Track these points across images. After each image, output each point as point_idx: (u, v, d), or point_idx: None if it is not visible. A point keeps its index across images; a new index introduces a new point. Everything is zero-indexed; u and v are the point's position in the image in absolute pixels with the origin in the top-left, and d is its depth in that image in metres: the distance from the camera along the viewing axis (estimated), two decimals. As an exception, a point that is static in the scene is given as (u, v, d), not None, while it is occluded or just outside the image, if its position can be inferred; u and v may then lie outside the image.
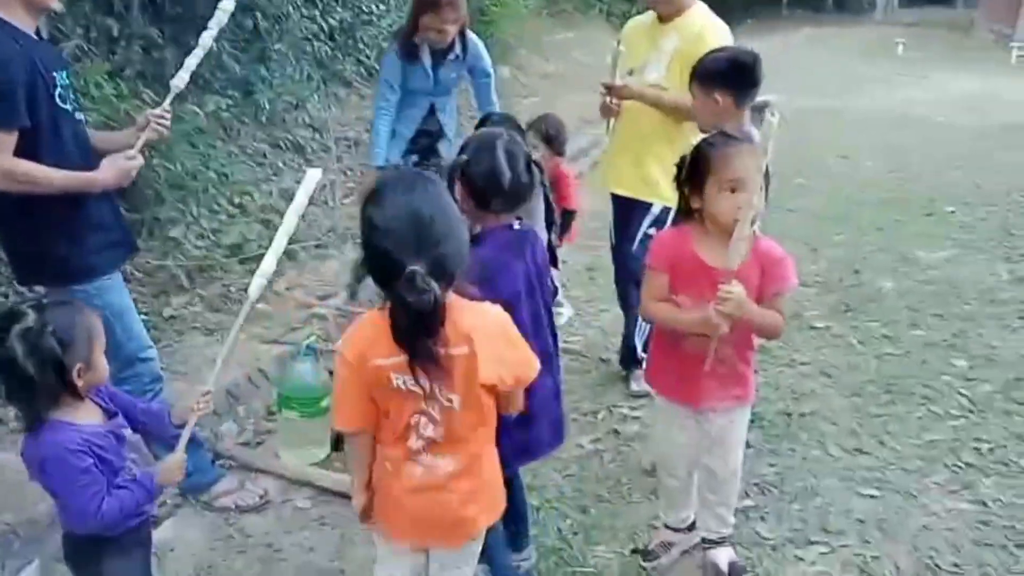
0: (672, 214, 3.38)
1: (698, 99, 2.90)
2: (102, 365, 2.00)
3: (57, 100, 2.48)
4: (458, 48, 3.95)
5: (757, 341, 2.46)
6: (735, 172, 2.20)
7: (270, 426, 3.67)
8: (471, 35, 4.05)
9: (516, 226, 2.23)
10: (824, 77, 14.57)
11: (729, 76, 2.82)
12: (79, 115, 2.62)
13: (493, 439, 1.96)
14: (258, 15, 6.11)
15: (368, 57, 7.81)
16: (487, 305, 1.84)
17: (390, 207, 1.70)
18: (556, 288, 2.82)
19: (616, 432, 3.49)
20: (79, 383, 1.90)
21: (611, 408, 3.68)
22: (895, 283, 4.92)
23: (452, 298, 1.72)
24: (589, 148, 9.01)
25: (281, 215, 2.94)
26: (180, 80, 2.84)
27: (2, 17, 2.38)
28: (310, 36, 6.65)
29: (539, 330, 2.25)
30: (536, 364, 1.88)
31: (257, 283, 2.27)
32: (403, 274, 1.60)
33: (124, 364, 2.64)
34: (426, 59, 3.92)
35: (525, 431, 2.26)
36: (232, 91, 6.13)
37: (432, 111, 4.14)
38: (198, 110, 5.53)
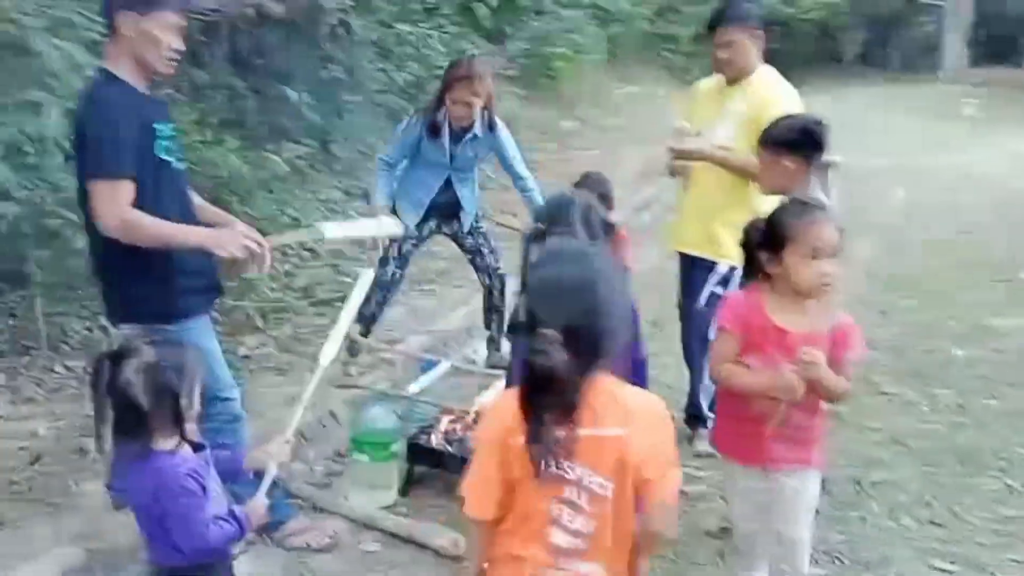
0: (738, 274, 3.42)
1: (765, 163, 2.96)
2: (197, 402, 2.11)
3: (162, 153, 2.63)
4: (478, 128, 4.04)
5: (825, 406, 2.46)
6: (816, 241, 2.25)
7: (337, 468, 3.74)
8: (498, 119, 4.17)
9: None
10: (889, 136, 14.44)
11: (798, 142, 2.87)
12: (182, 166, 2.76)
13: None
14: (334, 68, 6.38)
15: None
16: (649, 394, 1.79)
17: (543, 269, 1.72)
18: None
19: (683, 493, 3.48)
20: (184, 418, 2.00)
21: (676, 467, 3.66)
22: (967, 351, 4.84)
23: (605, 380, 1.64)
24: (651, 202, 9.07)
25: (349, 260, 3.11)
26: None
27: (114, 73, 2.56)
28: (383, 89, 6.89)
29: None
30: (677, 481, 1.76)
31: (327, 353, 2.48)
32: (533, 334, 1.58)
33: (207, 403, 2.74)
34: (445, 136, 4.01)
35: None
36: (309, 140, 6.37)
37: (449, 183, 4.21)
38: (278, 158, 5.75)
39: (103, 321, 4.54)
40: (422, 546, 3.07)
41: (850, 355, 2.31)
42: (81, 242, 4.00)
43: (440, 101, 3.97)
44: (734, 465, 2.55)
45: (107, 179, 2.46)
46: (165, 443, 2.01)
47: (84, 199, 2.58)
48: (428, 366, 3.78)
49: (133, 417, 1.95)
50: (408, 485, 3.42)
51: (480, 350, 4.68)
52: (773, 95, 3.49)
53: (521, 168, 4.31)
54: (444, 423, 3.54)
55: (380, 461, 3.30)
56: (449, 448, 3.43)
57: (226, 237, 2.60)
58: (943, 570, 2.93)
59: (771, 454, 2.40)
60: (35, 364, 4.21)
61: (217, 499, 2.13)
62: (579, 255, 1.76)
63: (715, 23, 3.56)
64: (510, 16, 9.22)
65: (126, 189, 2.48)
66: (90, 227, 2.61)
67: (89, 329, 4.53)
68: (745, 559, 2.68)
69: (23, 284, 4.35)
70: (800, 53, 23.36)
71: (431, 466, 3.47)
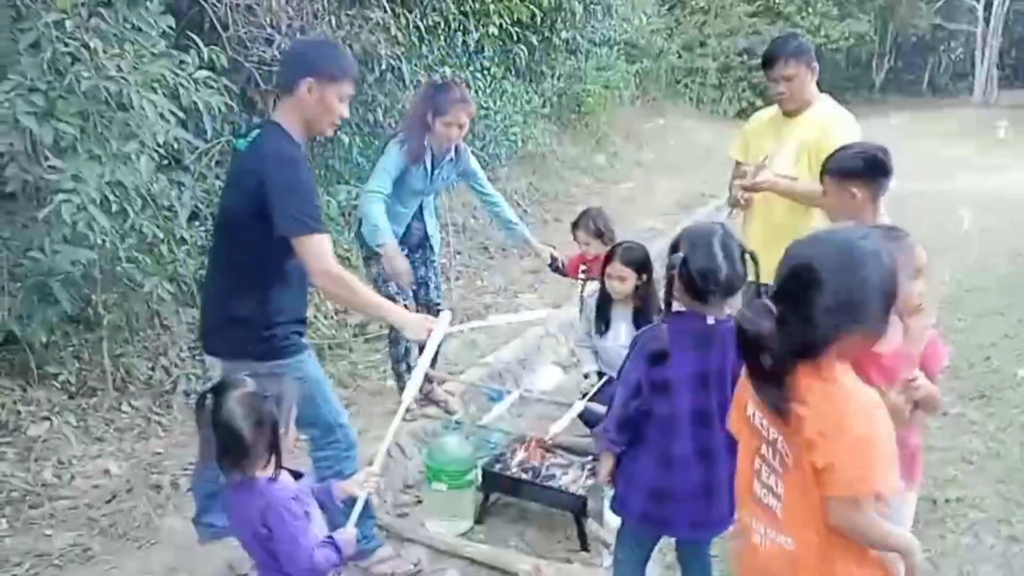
0: None
1: (833, 194, 2.93)
2: (293, 431, 2.20)
3: None
4: (453, 151, 4.05)
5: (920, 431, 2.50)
6: (917, 262, 2.32)
7: (406, 499, 3.81)
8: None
9: (711, 320, 2.30)
10: (925, 160, 14.39)
11: (865, 171, 2.87)
12: None
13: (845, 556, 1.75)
14: (380, 110, 6.54)
15: (483, 150, 8.21)
16: (867, 391, 1.76)
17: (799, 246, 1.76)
18: None
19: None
20: (279, 447, 2.10)
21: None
22: (1040, 369, 4.82)
23: (834, 367, 1.70)
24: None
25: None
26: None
27: (282, 125, 2.71)
28: (430, 130, 7.04)
29: (702, 428, 2.32)
30: (879, 487, 1.71)
31: (409, 392, 2.66)
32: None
33: (325, 431, 2.88)
34: (428, 160, 3.95)
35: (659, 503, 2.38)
36: (358, 182, 6.52)
37: (420, 210, 4.17)
38: (332, 200, 5.89)
39: (164, 362, 4.70)
40: (504, 572, 3.11)
41: (940, 366, 2.36)
42: (149, 285, 4.17)
43: (426, 126, 3.85)
44: None
45: (315, 233, 2.61)
46: (264, 471, 2.10)
47: (236, 244, 2.75)
48: (496, 396, 3.84)
49: (235, 445, 2.05)
50: (483, 513, 3.46)
51: (536, 381, 4.74)
52: (833, 123, 3.56)
53: (490, 187, 4.35)
54: (519, 451, 3.59)
55: (457, 489, 3.35)
56: (524, 475, 3.48)
57: (419, 322, 2.81)
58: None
59: None
60: (102, 404, 4.31)
61: (319, 524, 2.22)
62: (843, 244, 1.73)
63: (773, 56, 3.64)
64: (546, 56, 9.38)
65: (328, 243, 2.64)
66: (239, 273, 2.76)
67: (152, 369, 4.64)
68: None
69: (90, 327, 4.47)
70: (831, 82, 23.44)
71: (506, 493, 3.52)
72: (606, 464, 2.52)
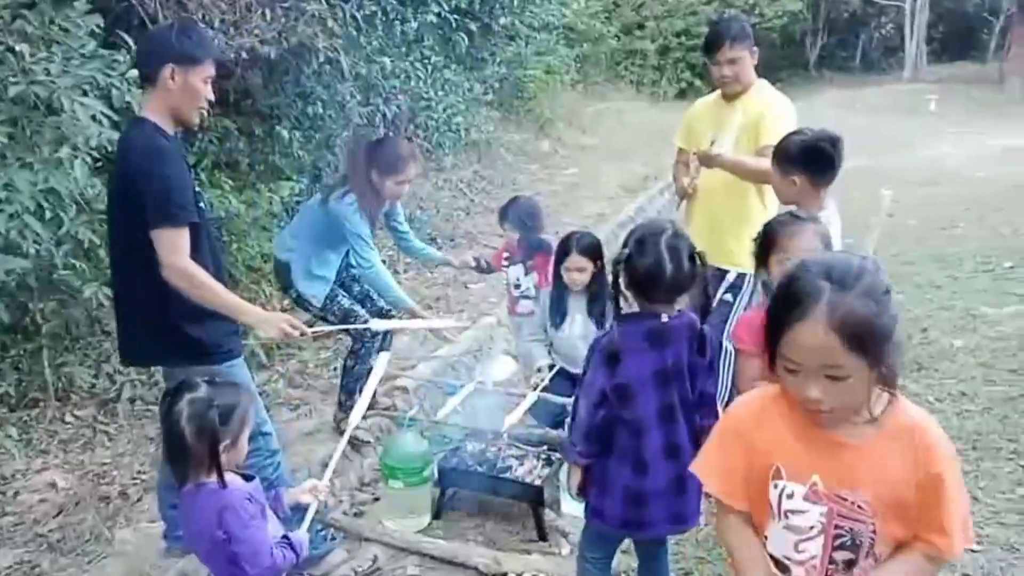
0: (748, 280, 3.54)
1: (776, 179, 3.00)
2: (244, 446, 2.18)
3: (200, 200, 2.73)
4: None
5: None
6: (795, 250, 2.36)
7: (363, 496, 3.80)
8: None
9: (665, 318, 2.31)
10: (858, 136, 14.60)
11: (805, 160, 2.90)
12: (211, 212, 2.84)
13: None
14: (320, 104, 6.45)
15: (426, 140, 8.16)
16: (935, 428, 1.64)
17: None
18: None
19: (707, 495, 3.56)
20: (223, 458, 2.07)
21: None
22: (964, 340, 4.97)
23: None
24: (635, 216, 9.21)
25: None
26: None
27: (156, 123, 2.64)
28: (371, 122, 6.97)
29: (668, 424, 2.35)
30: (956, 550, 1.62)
31: (352, 422, 2.79)
32: None
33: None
34: (379, 213, 3.95)
35: (637, 506, 2.40)
36: (301, 177, 6.43)
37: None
38: (274, 195, 5.80)
39: (108, 369, 4.60)
40: (463, 566, 3.12)
41: None
42: (88, 291, 4.07)
43: (373, 186, 3.77)
44: None
45: (172, 227, 2.56)
46: (206, 476, 2.08)
47: (129, 246, 2.67)
48: (450, 390, 3.84)
49: (177, 449, 2.05)
50: (441, 508, 3.47)
51: (489, 372, 4.74)
52: (770, 108, 3.63)
53: (404, 222, 4.33)
54: (474, 445, 3.60)
55: (414, 486, 3.35)
56: (480, 468, 3.49)
57: (271, 321, 2.77)
58: (970, 550, 3.02)
59: None
60: (45, 415, 4.22)
61: (274, 524, 2.20)
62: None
63: (717, 40, 3.68)
64: (486, 42, 9.34)
65: (185, 237, 2.58)
66: (140, 274, 2.67)
67: (96, 377, 4.55)
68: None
69: (28, 336, 4.35)
70: (765, 61, 23.81)
71: (463, 488, 3.53)
72: (576, 477, 2.50)
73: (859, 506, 1.62)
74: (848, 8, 27.07)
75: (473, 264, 4.42)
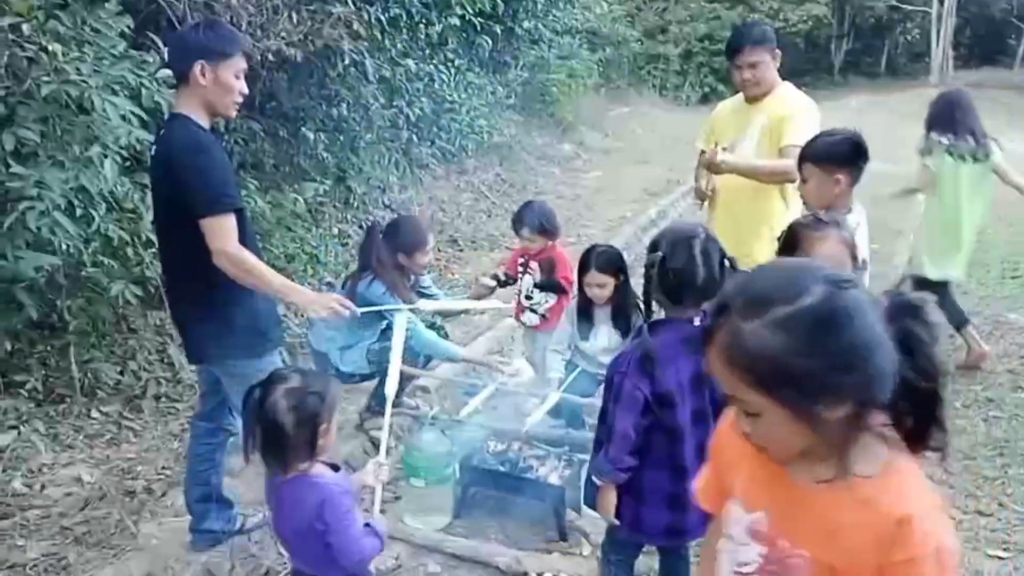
0: None
1: (816, 180, 2.90)
2: (333, 432, 2.21)
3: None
4: None
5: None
6: (819, 253, 2.35)
7: (385, 495, 3.80)
8: None
9: (697, 321, 2.26)
10: (884, 141, 14.53)
11: (851, 157, 2.87)
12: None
13: None
14: (344, 107, 6.50)
15: (448, 142, 8.20)
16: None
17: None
18: None
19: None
20: (320, 443, 2.12)
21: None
22: (991, 346, 4.91)
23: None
24: (657, 220, 9.19)
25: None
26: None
27: (186, 115, 2.70)
28: (396, 124, 7.02)
29: (701, 427, 2.31)
30: None
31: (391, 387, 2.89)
32: None
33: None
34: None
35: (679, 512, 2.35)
36: (325, 179, 6.48)
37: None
38: (299, 197, 5.85)
39: (133, 366, 4.65)
40: (484, 565, 3.13)
41: None
42: (115, 289, 4.12)
43: (400, 266, 3.94)
44: None
45: (219, 214, 2.62)
46: (305, 466, 2.12)
47: (177, 240, 2.76)
48: (471, 391, 3.85)
49: (277, 439, 2.08)
50: (463, 507, 3.48)
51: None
52: (794, 109, 3.63)
53: (433, 286, 4.42)
54: (495, 444, 3.61)
55: (436, 484, 3.36)
56: (502, 468, 3.50)
57: (320, 301, 2.86)
58: (996, 557, 3.00)
59: None
60: (71, 411, 4.26)
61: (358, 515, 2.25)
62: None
63: (738, 44, 3.69)
64: (509, 46, 9.38)
65: (233, 223, 2.64)
66: (188, 269, 2.75)
67: (121, 374, 4.60)
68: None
69: (55, 333, 4.41)
70: (791, 65, 23.69)
71: (485, 487, 3.54)
72: (610, 498, 2.41)
73: (794, 561, 1.37)
74: (873, 13, 26.88)
75: (493, 284, 4.37)
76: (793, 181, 3.29)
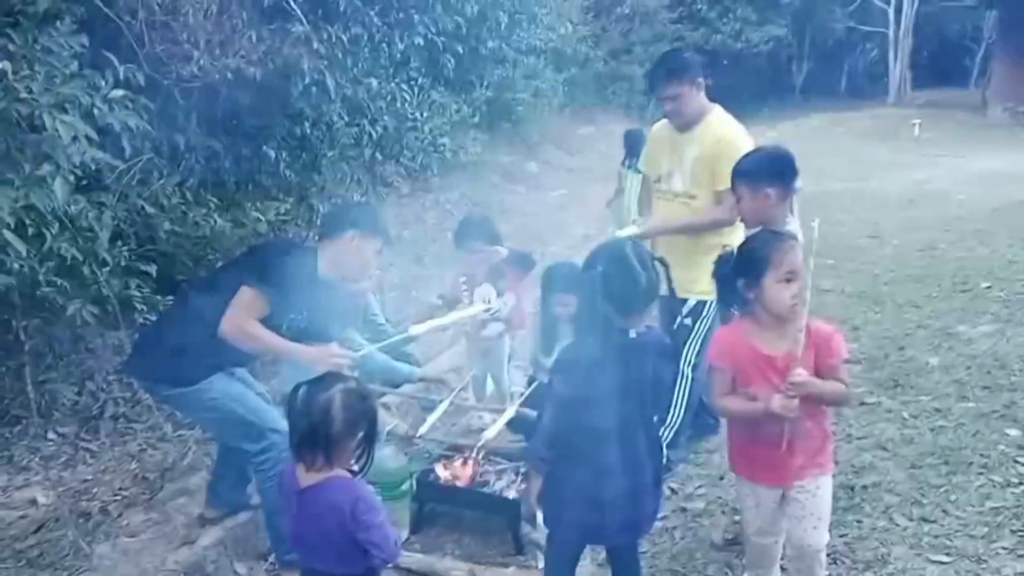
0: (709, 305, 3.55)
1: (745, 198, 3.02)
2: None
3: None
4: None
5: (828, 418, 2.64)
6: (790, 265, 2.46)
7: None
8: None
9: (633, 334, 2.38)
10: (843, 160, 14.91)
11: (774, 171, 3.00)
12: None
13: None
14: (307, 124, 6.51)
15: (411, 160, 8.23)
16: None
17: None
18: None
19: (684, 510, 3.60)
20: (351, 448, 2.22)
21: (673, 489, 3.78)
22: (940, 358, 5.02)
23: None
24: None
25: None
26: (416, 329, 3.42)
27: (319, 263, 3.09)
28: (358, 142, 7.04)
29: (626, 436, 2.40)
30: None
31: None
32: None
33: (257, 437, 3.04)
34: None
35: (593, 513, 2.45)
36: (287, 197, 6.47)
37: None
38: (261, 216, 5.83)
39: (91, 387, 4.61)
40: (439, 579, 3.15)
41: (835, 360, 2.49)
42: (71, 308, 4.09)
43: None
44: (755, 485, 2.69)
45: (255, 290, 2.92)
46: (343, 467, 2.23)
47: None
48: (429, 405, 3.87)
49: (323, 435, 2.15)
50: (419, 522, 3.49)
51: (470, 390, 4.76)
52: (725, 135, 3.61)
53: (381, 315, 4.60)
54: (452, 460, 3.63)
55: (393, 500, 3.36)
56: (458, 483, 3.52)
57: (319, 356, 3.02)
58: (939, 562, 3.06)
59: (791, 469, 2.57)
60: (27, 433, 4.22)
61: None
62: None
63: (654, 79, 3.68)
64: (474, 65, 9.45)
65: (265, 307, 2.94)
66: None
67: (79, 394, 4.56)
68: (759, 569, 2.80)
69: (11, 353, 4.36)
70: (752, 86, 24.13)
71: (441, 502, 3.55)
72: (535, 484, 2.58)
73: None
74: (833, 34, 27.44)
75: (440, 303, 4.41)
76: (732, 223, 3.36)
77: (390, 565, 2.46)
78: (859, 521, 3.37)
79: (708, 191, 3.59)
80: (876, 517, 3.39)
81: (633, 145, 7.63)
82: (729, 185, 3.21)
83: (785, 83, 27.95)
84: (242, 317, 2.92)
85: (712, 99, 3.78)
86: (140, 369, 3.35)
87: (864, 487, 3.62)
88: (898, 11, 25.14)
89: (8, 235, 3.15)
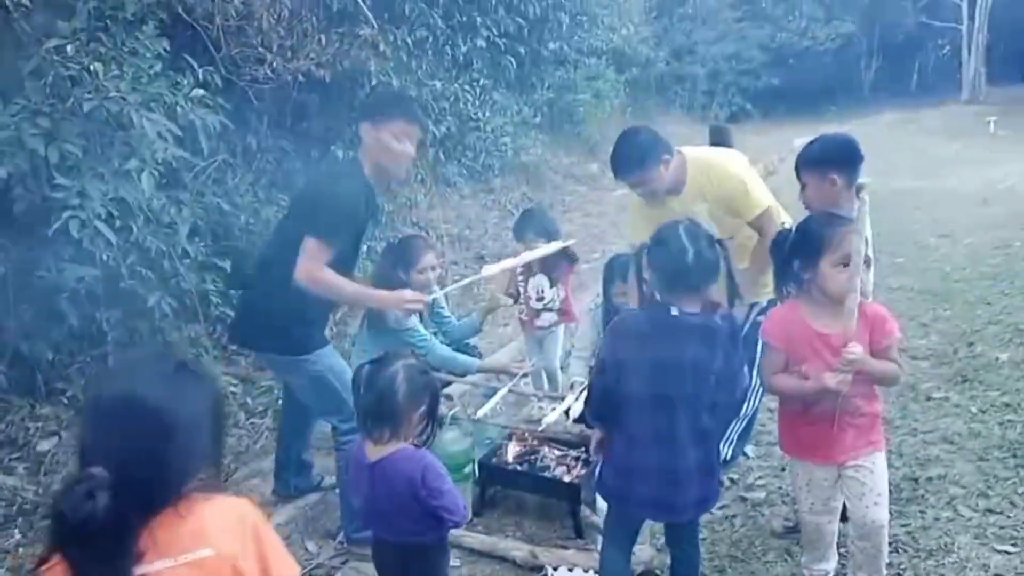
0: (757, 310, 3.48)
1: (812, 184, 3.02)
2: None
3: (362, 249, 3.22)
4: None
5: (880, 399, 2.65)
6: (847, 249, 2.47)
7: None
8: None
9: (675, 312, 2.39)
10: (915, 158, 14.55)
11: (840, 157, 2.99)
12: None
13: None
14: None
15: (473, 160, 8.36)
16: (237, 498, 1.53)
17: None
18: None
19: (743, 499, 3.61)
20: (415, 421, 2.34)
21: (733, 479, 3.80)
22: (1010, 353, 4.90)
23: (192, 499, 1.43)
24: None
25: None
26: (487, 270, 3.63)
27: (363, 168, 3.13)
28: (422, 143, 7.19)
29: (660, 414, 2.42)
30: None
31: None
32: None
33: (349, 416, 3.08)
34: None
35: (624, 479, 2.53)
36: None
37: None
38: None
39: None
40: (501, 559, 3.23)
41: (889, 340, 2.51)
42: (151, 300, 4.30)
43: (402, 281, 3.91)
44: (807, 464, 2.70)
45: (318, 239, 2.97)
46: (407, 439, 2.33)
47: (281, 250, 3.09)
48: (490, 393, 3.96)
49: (387, 410, 2.27)
50: (482, 505, 3.58)
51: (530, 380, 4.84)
52: (727, 184, 3.35)
53: (446, 308, 4.53)
54: (514, 444, 3.71)
55: (456, 483, 3.44)
56: (519, 467, 3.60)
57: (393, 301, 3.23)
58: (1005, 552, 3.02)
59: (842, 446, 2.59)
60: (107, 420, 4.42)
61: None
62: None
63: (616, 173, 3.37)
64: (535, 67, 9.55)
65: (328, 252, 2.98)
66: (273, 275, 3.12)
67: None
68: (816, 551, 2.81)
69: (95, 343, 4.57)
70: (818, 84, 23.68)
71: (503, 485, 3.63)
72: (596, 436, 2.71)
73: None
74: (903, 30, 26.73)
75: (512, 302, 4.49)
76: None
77: (460, 529, 2.60)
78: (922, 512, 3.33)
79: (739, 225, 3.41)
80: (940, 508, 3.35)
81: (719, 142, 7.70)
82: (758, 210, 3.27)
83: (853, 81, 27.31)
84: (312, 266, 2.98)
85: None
86: (249, 337, 3.44)
87: (928, 479, 3.58)
88: (972, 5, 24.35)
89: (100, 225, 3.36)
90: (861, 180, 3.05)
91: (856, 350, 2.43)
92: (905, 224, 8.89)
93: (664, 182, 3.32)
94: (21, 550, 3.45)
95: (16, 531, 3.57)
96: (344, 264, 3.11)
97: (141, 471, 1.36)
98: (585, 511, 3.41)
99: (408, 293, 3.23)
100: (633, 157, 3.27)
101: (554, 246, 3.94)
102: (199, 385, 1.53)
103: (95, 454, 1.37)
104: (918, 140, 17.58)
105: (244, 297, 3.57)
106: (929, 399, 4.42)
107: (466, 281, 3.84)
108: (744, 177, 3.36)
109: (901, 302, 6.11)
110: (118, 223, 3.70)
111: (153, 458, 1.38)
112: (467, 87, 7.44)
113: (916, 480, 3.58)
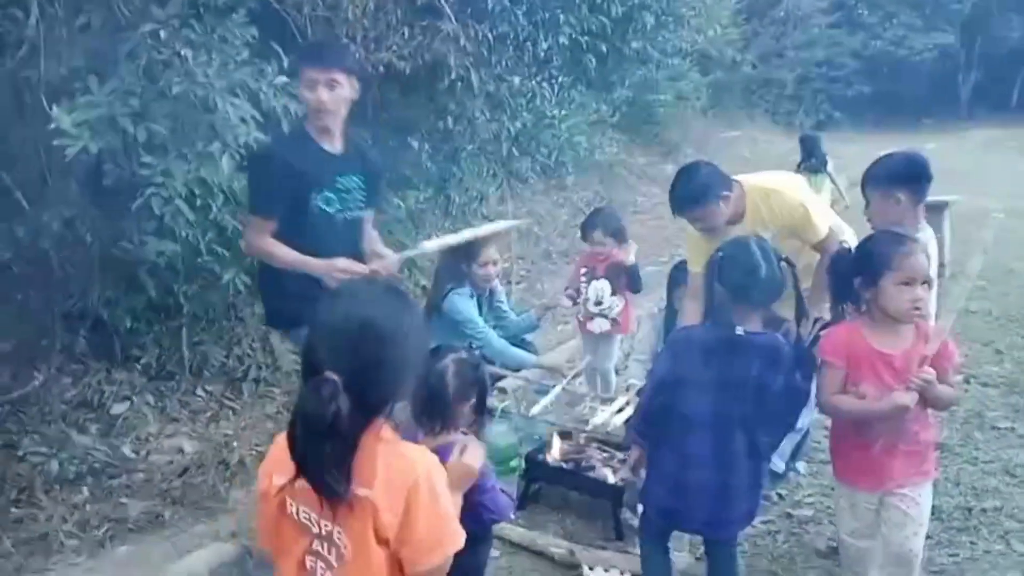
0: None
1: (876, 201, 3.03)
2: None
3: (319, 203, 3.08)
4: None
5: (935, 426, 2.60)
6: (911, 269, 2.44)
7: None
8: None
9: (740, 331, 2.40)
10: (1007, 177, 13.96)
11: (907, 175, 2.98)
12: (347, 215, 3.20)
13: None
14: (450, 119, 6.78)
15: (547, 157, 8.39)
16: (420, 451, 1.64)
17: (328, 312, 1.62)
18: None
19: (789, 515, 3.59)
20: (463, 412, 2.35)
21: (781, 494, 3.77)
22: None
23: (383, 433, 1.58)
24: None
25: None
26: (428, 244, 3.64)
27: (305, 127, 3.11)
28: (497, 137, 7.27)
29: (720, 432, 2.43)
30: (456, 542, 1.61)
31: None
32: (311, 380, 1.50)
33: None
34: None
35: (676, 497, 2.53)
36: (427, 187, 6.77)
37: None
38: (401, 203, 6.14)
39: (238, 351, 5.00)
40: (539, 554, 3.28)
41: (952, 366, 2.47)
42: (227, 276, 4.47)
43: (463, 274, 4.08)
44: (853, 489, 2.67)
45: (252, 214, 3.09)
46: (452, 431, 2.32)
47: None
48: (542, 389, 4.01)
49: (437, 403, 2.29)
50: (526, 499, 3.63)
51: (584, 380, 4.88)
52: (789, 211, 3.30)
53: (506, 303, 4.49)
54: (560, 441, 3.75)
55: (501, 476, 3.51)
56: (565, 465, 3.64)
57: (324, 268, 3.01)
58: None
59: (892, 474, 2.55)
60: (179, 388, 4.60)
61: None
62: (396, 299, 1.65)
63: (675, 209, 3.33)
64: (617, 66, 9.49)
65: (263, 223, 3.03)
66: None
67: (226, 357, 4.93)
68: (858, 571, 2.78)
69: (171, 315, 4.77)
70: (912, 95, 22.90)
71: (548, 482, 3.68)
72: (634, 455, 2.72)
73: None
74: (1007, 44, 25.55)
75: (569, 303, 4.52)
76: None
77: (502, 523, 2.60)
78: (973, 543, 3.26)
79: (802, 247, 3.37)
80: (992, 540, 3.27)
81: (811, 149, 8.02)
82: (820, 236, 3.24)
83: (949, 94, 26.22)
84: (250, 237, 3.14)
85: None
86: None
87: (983, 510, 3.49)
88: (1084, 20, 23.18)
89: (180, 204, 3.53)
90: (947, 198, 3.01)
91: (930, 372, 2.40)
92: (991, 246, 8.57)
93: (723, 217, 3.28)
94: (89, 507, 3.65)
95: (85, 488, 3.77)
96: (299, 225, 3.04)
97: (367, 376, 1.51)
98: (626, 513, 3.43)
99: (341, 262, 3.01)
100: (693, 194, 3.24)
101: (501, 224, 3.97)
102: (406, 303, 1.67)
103: (323, 363, 1.50)
104: (1015, 158, 16.82)
105: None
106: (994, 428, 4.30)
107: (407, 253, 3.77)
108: (804, 202, 3.32)
109: (977, 328, 5.93)
110: (198, 202, 3.86)
111: (376, 364, 1.52)
112: (545, 84, 7.47)
113: (970, 510, 3.50)
